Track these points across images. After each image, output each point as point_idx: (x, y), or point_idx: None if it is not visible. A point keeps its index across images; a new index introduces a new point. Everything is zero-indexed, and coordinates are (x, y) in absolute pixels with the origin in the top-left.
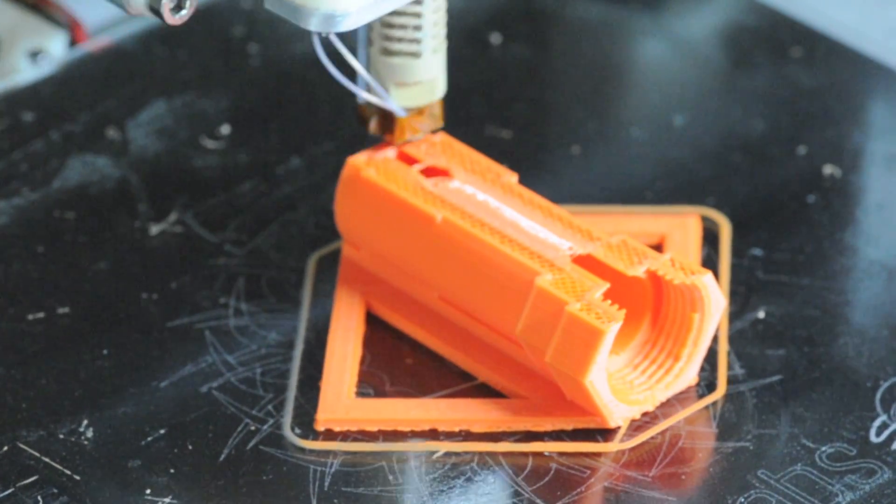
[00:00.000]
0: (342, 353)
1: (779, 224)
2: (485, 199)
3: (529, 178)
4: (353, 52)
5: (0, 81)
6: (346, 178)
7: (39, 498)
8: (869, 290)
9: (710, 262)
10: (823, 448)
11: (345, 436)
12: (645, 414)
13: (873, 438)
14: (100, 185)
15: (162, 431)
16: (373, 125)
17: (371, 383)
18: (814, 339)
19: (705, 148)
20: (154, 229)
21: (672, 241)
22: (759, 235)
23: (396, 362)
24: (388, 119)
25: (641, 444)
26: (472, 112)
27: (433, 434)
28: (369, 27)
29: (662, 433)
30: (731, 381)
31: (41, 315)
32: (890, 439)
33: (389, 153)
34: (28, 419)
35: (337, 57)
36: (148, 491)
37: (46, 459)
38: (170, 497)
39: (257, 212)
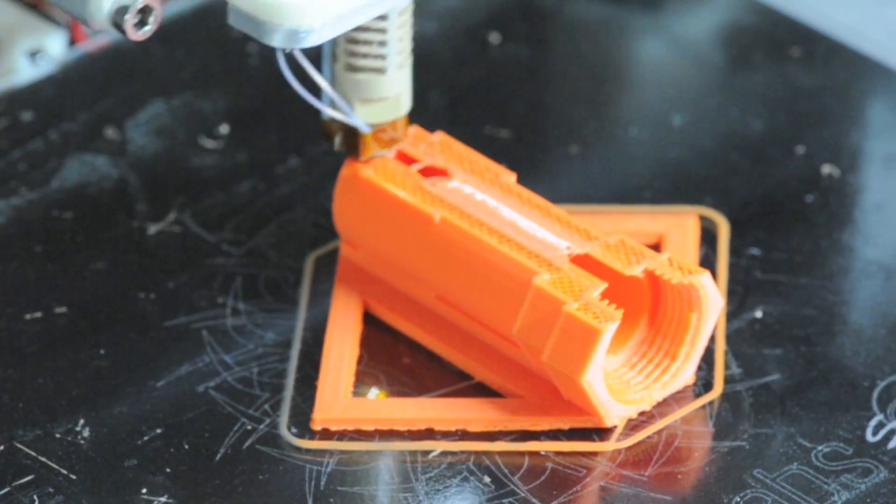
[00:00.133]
0: (339, 353)
1: (777, 224)
2: (483, 198)
3: (528, 178)
4: (318, 67)
5: None
6: (344, 178)
7: (35, 497)
8: (867, 290)
9: (707, 261)
10: (820, 447)
11: (341, 435)
12: (641, 413)
13: (869, 438)
14: (98, 185)
15: (158, 431)
16: (337, 141)
17: (368, 383)
18: (811, 338)
19: (704, 148)
20: (152, 229)
21: (670, 241)
22: (756, 235)
23: (393, 362)
24: (352, 135)
25: (638, 444)
26: (470, 111)
27: (429, 433)
28: (334, 43)
29: (659, 432)
30: (728, 380)
31: (39, 314)
32: (886, 438)
33: (388, 153)
34: (25, 418)
35: (302, 72)
36: (144, 490)
37: (43, 459)
38: (166, 496)
39: (255, 211)
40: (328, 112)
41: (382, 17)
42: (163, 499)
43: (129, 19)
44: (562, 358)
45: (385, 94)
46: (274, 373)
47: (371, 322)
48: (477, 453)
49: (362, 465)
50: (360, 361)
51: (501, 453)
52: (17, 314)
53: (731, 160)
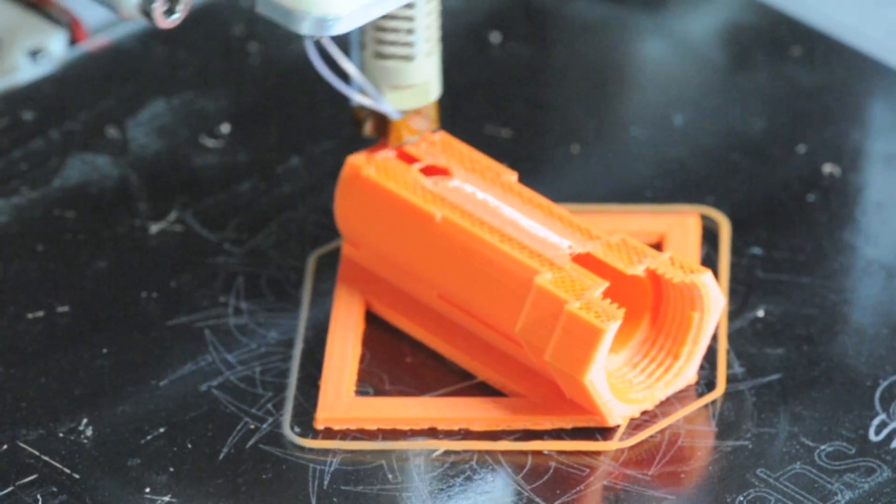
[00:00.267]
0: (342, 352)
1: (778, 223)
2: (484, 197)
3: (529, 177)
4: (347, 54)
5: (0, 80)
6: (345, 177)
7: (39, 496)
8: (868, 289)
9: (709, 260)
10: (823, 447)
11: (344, 434)
12: (644, 413)
13: (872, 437)
14: (99, 184)
15: (161, 430)
16: (368, 128)
17: (370, 382)
18: (813, 337)
19: (705, 147)
20: (154, 228)
21: (671, 240)
22: (758, 234)
23: (396, 361)
24: (382, 122)
25: (641, 443)
26: (471, 111)
27: (432, 433)
28: (362, 30)
29: (662, 432)
30: (731, 379)
31: (41, 314)
32: (889, 438)
33: (389, 152)
34: (28, 418)
35: (331, 59)
36: (147, 489)
37: (46, 458)
38: (169, 496)
39: (257, 211)
40: (358, 99)
41: (410, 5)
42: (166, 498)
43: (158, 7)
44: (564, 357)
45: (414, 80)
46: (276, 372)
47: (373, 321)
48: (480, 452)
49: (365, 464)
50: (362, 361)
51: (505, 452)
52: (20, 313)
53: (733, 159)
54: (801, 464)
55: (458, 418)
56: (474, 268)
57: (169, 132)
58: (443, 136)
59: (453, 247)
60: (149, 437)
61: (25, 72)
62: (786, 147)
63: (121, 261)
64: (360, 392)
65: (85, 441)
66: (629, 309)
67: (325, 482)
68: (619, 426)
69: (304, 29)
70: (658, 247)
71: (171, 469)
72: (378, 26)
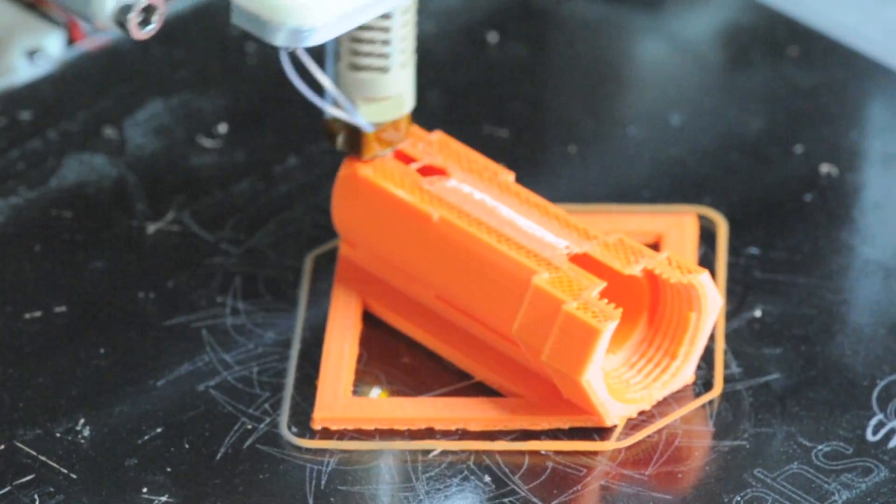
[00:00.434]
0: (339, 352)
1: (776, 223)
2: (482, 197)
3: (526, 177)
4: (322, 66)
5: None
6: (342, 177)
7: (36, 496)
8: (866, 289)
9: (706, 260)
10: (820, 447)
11: (341, 434)
12: (641, 413)
13: (870, 437)
14: (97, 184)
15: (159, 430)
16: (340, 141)
17: (368, 382)
18: (810, 337)
19: (702, 147)
20: (151, 228)
21: (669, 240)
22: (755, 234)
23: (393, 361)
24: (355, 134)
25: (638, 443)
26: (469, 111)
27: (429, 433)
28: (337, 42)
29: (659, 432)
30: (728, 379)
31: (38, 314)
32: (886, 438)
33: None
34: (25, 418)
35: (305, 71)
36: (144, 490)
37: (43, 458)
38: (166, 496)
39: (254, 211)
40: (331, 111)
41: (385, 17)
42: (163, 498)
43: (133, 18)
44: (561, 357)
45: (388, 93)
46: (274, 372)
47: (370, 321)
48: (477, 452)
49: (362, 464)
50: (359, 361)
51: (502, 452)
52: (17, 314)
53: (730, 159)
54: (799, 464)
55: (456, 418)
56: (471, 268)
57: (166, 132)
58: (440, 136)
59: (450, 247)
60: (146, 438)
61: (23, 72)
62: (783, 147)
63: (118, 261)
64: (357, 392)
65: (82, 441)
66: (626, 309)
67: (323, 482)
68: (616, 426)
69: (279, 40)
70: (655, 247)
71: (169, 469)
72: (353, 37)
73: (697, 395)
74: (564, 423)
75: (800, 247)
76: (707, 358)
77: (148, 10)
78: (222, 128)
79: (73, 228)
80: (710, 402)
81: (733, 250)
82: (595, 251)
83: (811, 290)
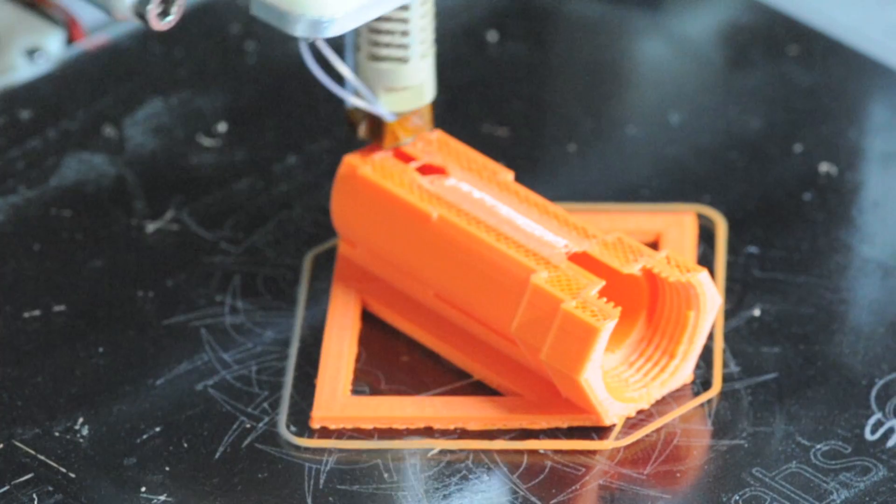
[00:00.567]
0: (338, 351)
1: (775, 222)
2: (481, 196)
3: (525, 176)
4: (341, 56)
5: None
6: (342, 176)
7: (35, 496)
8: (865, 288)
9: (705, 259)
10: (818, 446)
11: (340, 434)
12: (640, 412)
13: (868, 436)
14: (96, 183)
15: (157, 429)
16: (362, 130)
17: (366, 381)
18: (809, 336)
19: (701, 146)
20: (150, 227)
21: (668, 239)
22: (754, 233)
23: (392, 360)
24: (377, 124)
25: (636, 442)
26: (468, 110)
27: (428, 432)
28: (357, 32)
29: (657, 431)
30: (727, 378)
31: (37, 313)
32: (885, 437)
33: (385, 151)
34: (23, 417)
35: (325, 61)
36: (143, 489)
37: (42, 457)
38: (165, 495)
39: (254, 209)
40: (352, 101)
41: (405, 7)
42: (162, 497)
43: (153, 9)
44: (560, 356)
45: (408, 82)
46: (272, 371)
47: (369, 320)
48: (476, 452)
49: (361, 463)
50: (358, 360)
51: (500, 452)
52: (16, 312)
53: (730, 158)
54: (797, 463)
55: (454, 417)
56: (470, 267)
57: (166, 131)
58: (439, 135)
59: (450, 246)
60: (145, 437)
61: (23, 71)
62: (782, 146)
63: (117, 260)
64: (356, 391)
65: (81, 440)
66: (625, 308)
67: (321, 481)
68: (614, 425)
69: (299, 31)
70: (654, 246)
71: (167, 468)
72: (373, 28)
73: (696, 394)
74: (563, 423)
75: (799, 246)
76: (706, 357)
77: (167, 1)
78: (222, 127)
79: (72, 227)
80: (709, 402)
81: (732, 249)
82: (594, 250)
83: (810, 289)
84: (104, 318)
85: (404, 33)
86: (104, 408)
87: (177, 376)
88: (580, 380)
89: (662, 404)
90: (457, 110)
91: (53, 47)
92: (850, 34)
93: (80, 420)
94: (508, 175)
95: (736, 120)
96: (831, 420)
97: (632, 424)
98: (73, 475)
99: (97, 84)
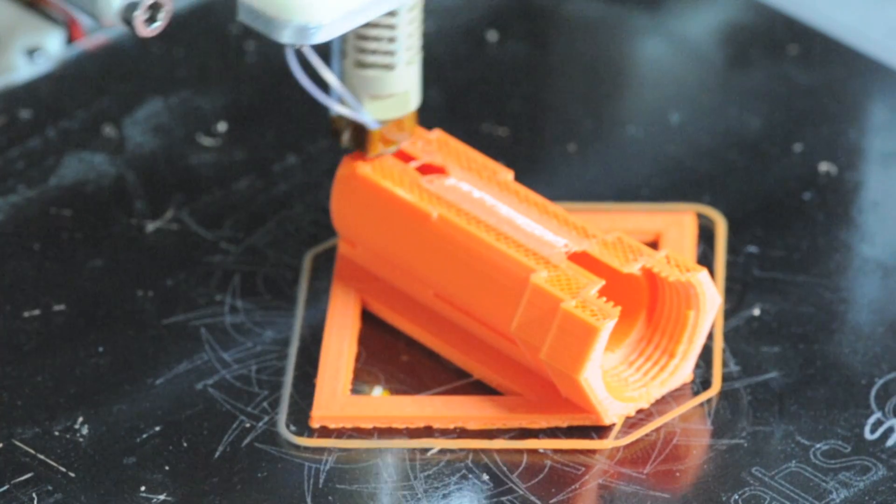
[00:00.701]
0: (337, 351)
1: (774, 221)
2: (480, 196)
3: (525, 176)
4: (327, 63)
5: None
6: (342, 176)
7: (34, 495)
8: (864, 288)
9: (705, 259)
10: (818, 445)
11: (340, 433)
12: (640, 411)
13: (868, 435)
14: (96, 183)
15: (157, 429)
16: (345, 138)
17: (366, 380)
18: (809, 336)
19: (701, 145)
20: (150, 227)
21: (667, 239)
22: (754, 233)
23: (392, 359)
24: (360, 132)
25: (636, 442)
26: (468, 109)
27: (428, 431)
28: (343, 39)
29: (657, 430)
30: (726, 378)
31: (37, 312)
32: (884, 436)
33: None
34: (23, 416)
35: (311, 68)
36: (143, 488)
37: (41, 456)
38: (164, 494)
39: (253, 209)
40: (336, 108)
41: (391, 14)
42: (161, 497)
43: (139, 15)
44: (560, 356)
45: (394, 90)
46: (272, 370)
47: (369, 320)
48: (475, 451)
49: (361, 462)
50: (358, 359)
51: (500, 451)
52: (16, 312)
53: (729, 158)
54: (797, 462)
55: (454, 417)
56: (470, 266)
57: (166, 131)
58: (439, 135)
59: (449, 245)
60: (144, 436)
61: (22, 70)
62: (782, 146)
63: (117, 259)
64: (356, 391)
65: (80, 439)
66: (625, 307)
67: (321, 480)
68: (614, 425)
69: (285, 37)
70: (654, 245)
71: (167, 468)
72: (359, 35)
73: (696, 393)
74: (563, 422)
75: (798, 245)
76: (705, 356)
77: (154, 8)
78: (221, 126)
79: (72, 227)
80: (709, 401)
81: (732, 249)
82: (594, 249)
83: (810, 289)
84: (104, 318)
85: (391, 40)
86: (104, 407)
87: (176, 376)
88: (580, 379)
89: (662, 404)
90: (456, 110)
91: (53, 47)
92: (849, 34)
93: (80, 419)
94: (508, 174)
95: (736, 120)
96: (831, 419)
97: (631, 424)
98: (72, 474)
99: (97, 84)
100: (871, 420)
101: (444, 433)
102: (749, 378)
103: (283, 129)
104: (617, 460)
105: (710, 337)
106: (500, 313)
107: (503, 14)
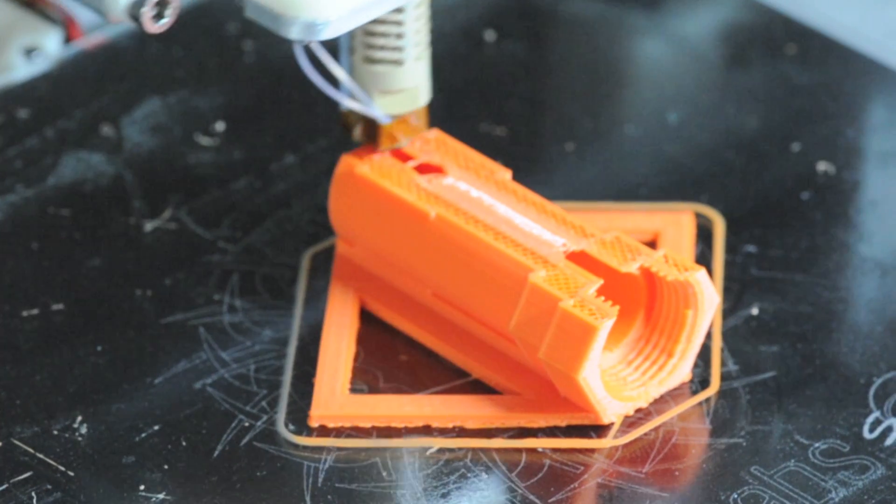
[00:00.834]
0: (336, 350)
1: (773, 221)
2: (478, 195)
3: (523, 175)
4: (336, 58)
5: None
6: (340, 175)
7: (33, 494)
8: (863, 287)
9: (703, 258)
10: (817, 444)
11: (338, 432)
12: (638, 410)
13: (867, 435)
14: (94, 182)
15: (156, 428)
16: (357, 132)
17: (365, 380)
18: (807, 335)
19: (700, 145)
20: (148, 226)
21: (666, 238)
22: (752, 232)
23: (390, 359)
24: (371, 126)
25: (635, 441)
26: (466, 109)
27: (427, 430)
28: (352, 35)
29: (656, 429)
30: (725, 377)
31: (35, 311)
32: (883, 435)
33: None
34: (22, 415)
35: (320, 64)
36: (142, 487)
37: (40, 455)
38: (163, 493)
39: (251, 208)
40: (347, 103)
41: (399, 10)
42: (160, 495)
43: (147, 12)
44: (558, 355)
45: (403, 85)
46: (271, 370)
47: (368, 319)
48: (474, 450)
49: (360, 461)
50: (356, 358)
51: (499, 450)
52: (14, 311)
53: (727, 157)
54: (796, 461)
55: (453, 416)
56: (468, 266)
57: (164, 130)
58: (437, 134)
59: (447, 245)
60: (143, 435)
61: (20, 70)
62: (780, 145)
63: (115, 259)
64: (355, 390)
65: (79, 439)
66: (623, 307)
67: (320, 480)
68: (613, 424)
69: (294, 34)
70: (652, 244)
71: (166, 467)
72: (367, 31)
73: (694, 392)
74: (561, 421)
75: (797, 245)
76: (704, 356)
77: (161, 4)
78: (220, 126)
79: (70, 226)
80: (707, 400)
81: (730, 248)
82: (592, 249)
83: (808, 288)
84: (103, 317)
85: (399, 35)
86: (103, 406)
87: (175, 375)
88: (578, 378)
89: (661, 403)
90: (454, 109)
91: (51, 46)
92: (848, 34)
93: (79, 418)
94: (506, 174)
95: (734, 119)
96: (830, 418)
97: (630, 423)
98: (71, 473)
99: (95, 83)
100: (870, 419)
101: (443, 432)
102: (748, 377)
103: (282, 128)
104: (616, 459)
105: (709, 336)
106: (498, 312)
107: (501, 14)
